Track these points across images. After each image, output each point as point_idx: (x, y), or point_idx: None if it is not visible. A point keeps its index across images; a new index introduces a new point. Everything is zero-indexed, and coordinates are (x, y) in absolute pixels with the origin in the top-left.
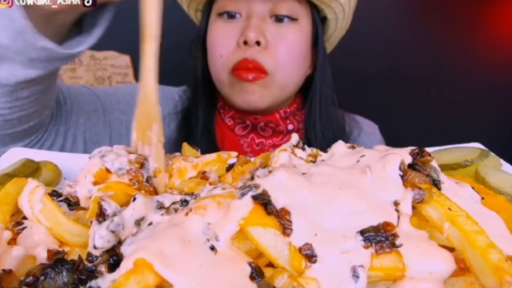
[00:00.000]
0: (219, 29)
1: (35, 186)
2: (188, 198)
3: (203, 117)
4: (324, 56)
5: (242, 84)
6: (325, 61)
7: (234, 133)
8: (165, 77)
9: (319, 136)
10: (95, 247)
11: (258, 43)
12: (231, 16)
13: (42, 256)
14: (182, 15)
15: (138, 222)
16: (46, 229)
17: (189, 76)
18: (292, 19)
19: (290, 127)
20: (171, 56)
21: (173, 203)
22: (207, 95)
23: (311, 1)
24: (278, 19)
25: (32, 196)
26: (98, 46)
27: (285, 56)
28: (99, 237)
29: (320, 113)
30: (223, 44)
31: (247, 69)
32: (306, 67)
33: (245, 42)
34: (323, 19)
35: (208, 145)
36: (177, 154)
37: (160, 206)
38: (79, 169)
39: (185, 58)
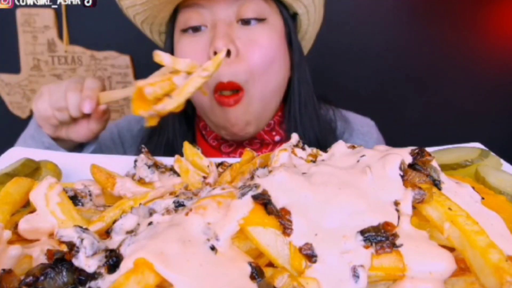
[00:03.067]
0: (186, 45)
1: (54, 181)
2: (181, 200)
3: (171, 143)
4: (300, 55)
5: (223, 109)
6: (301, 60)
7: (219, 152)
8: None
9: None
10: (96, 272)
11: (228, 52)
12: (196, 29)
13: (38, 256)
14: None
15: (129, 232)
16: (51, 225)
17: None
18: (260, 20)
19: (277, 138)
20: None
21: (167, 208)
22: (179, 120)
23: None
24: (245, 22)
25: (50, 190)
26: (98, 46)
27: (259, 62)
28: (89, 266)
29: (300, 115)
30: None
31: (227, 90)
32: (285, 69)
33: (215, 53)
34: (294, 16)
35: None
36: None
37: (152, 213)
38: (79, 168)
39: None
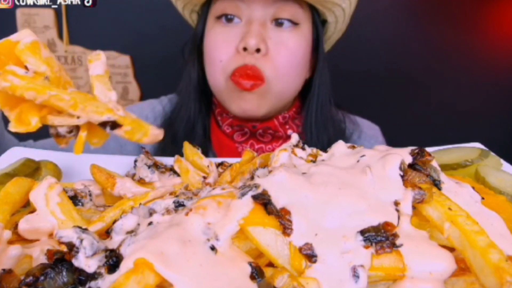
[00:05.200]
0: (218, 34)
1: (54, 181)
2: (181, 200)
3: (196, 125)
4: (324, 60)
5: (240, 92)
6: (324, 65)
7: (232, 140)
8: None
9: (314, 140)
10: (96, 272)
11: (258, 50)
12: (229, 19)
13: (38, 256)
14: (174, 20)
15: (129, 232)
16: (51, 225)
17: (179, 82)
18: (294, 23)
19: (290, 132)
20: (164, 62)
21: (167, 208)
22: (200, 100)
23: (313, 5)
24: (279, 23)
25: (50, 191)
26: (98, 46)
27: (285, 64)
28: (89, 266)
29: (316, 117)
30: (222, 49)
31: (246, 76)
32: (304, 73)
33: (245, 49)
34: (323, 22)
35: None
36: None
37: (152, 213)
38: (79, 168)
39: (174, 64)
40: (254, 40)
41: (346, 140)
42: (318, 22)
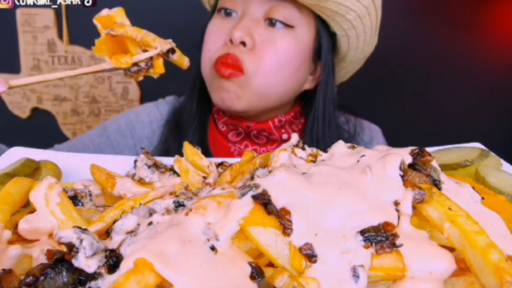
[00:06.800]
0: (214, 25)
1: (54, 181)
2: (181, 200)
3: (197, 116)
4: (328, 73)
5: (219, 80)
6: (329, 79)
7: (227, 139)
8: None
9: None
10: (96, 272)
11: (244, 44)
12: (228, 13)
13: (38, 256)
14: (174, 20)
15: (129, 232)
16: (51, 226)
17: (179, 82)
18: (287, 25)
19: (285, 136)
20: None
21: (167, 208)
22: (205, 92)
23: (316, 12)
24: (272, 23)
25: (50, 191)
26: None
27: (270, 61)
28: (89, 266)
29: (323, 135)
30: (213, 40)
31: (226, 64)
32: (298, 79)
33: (231, 41)
34: (334, 34)
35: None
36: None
37: (152, 213)
38: (79, 168)
39: (174, 65)
40: (239, 32)
41: (357, 141)
42: (322, 31)
